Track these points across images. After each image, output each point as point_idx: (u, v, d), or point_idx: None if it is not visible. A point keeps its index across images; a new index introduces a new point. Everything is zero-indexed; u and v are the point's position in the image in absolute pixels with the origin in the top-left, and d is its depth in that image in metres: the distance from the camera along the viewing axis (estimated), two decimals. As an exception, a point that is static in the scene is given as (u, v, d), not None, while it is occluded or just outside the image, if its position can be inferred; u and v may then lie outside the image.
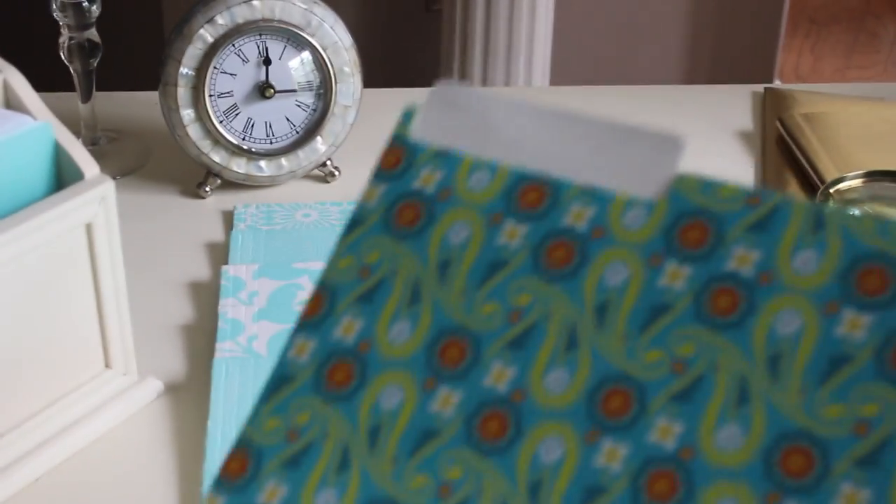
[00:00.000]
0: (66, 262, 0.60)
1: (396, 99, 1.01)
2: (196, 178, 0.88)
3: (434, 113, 0.50)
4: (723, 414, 0.41)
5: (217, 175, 0.85)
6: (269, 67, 0.83)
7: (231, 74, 0.83)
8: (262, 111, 0.84)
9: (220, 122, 0.83)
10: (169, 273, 0.77)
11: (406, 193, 0.49)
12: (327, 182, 0.88)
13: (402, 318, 0.47)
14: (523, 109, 0.49)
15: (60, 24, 0.84)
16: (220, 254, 0.79)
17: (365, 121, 0.93)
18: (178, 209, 0.85)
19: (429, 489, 0.44)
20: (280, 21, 0.82)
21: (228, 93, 0.83)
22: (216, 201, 0.86)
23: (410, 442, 0.45)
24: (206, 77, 0.82)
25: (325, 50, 0.83)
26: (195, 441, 0.63)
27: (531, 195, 0.48)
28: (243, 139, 0.84)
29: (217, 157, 0.84)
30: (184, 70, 0.82)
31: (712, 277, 0.44)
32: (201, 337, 0.71)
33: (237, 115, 0.84)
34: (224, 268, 0.75)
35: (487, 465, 0.44)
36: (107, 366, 0.64)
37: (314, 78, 0.84)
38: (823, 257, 0.42)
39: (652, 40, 1.84)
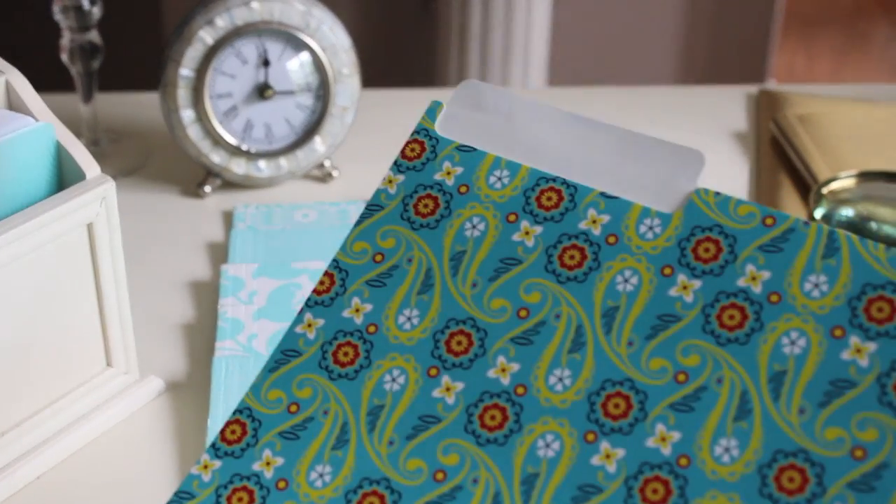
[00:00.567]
0: (68, 262, 0.60)
1: (394, 100, 1.02)
2: (196, 179, 0.88)
3: (459, 109, 0.51)
4: (722, 426, 0.42)
5: (217, 175, 0.86)
6: (269, 69, 0.84)
7: (230, 76, 0.83)
8: (262, 112, 0.85)
9: (220, 122, 0.84)
10: (169, 272, 0.77)
11: (426, 185, 0.50)
12: (326, 182, 0.89)
13: (413, 305, 0.48)
14: (547, 113, 0.49)
15: (62, 26, 0.85)
16: (219, 253, 0.80)
17: (363, 121, 0.94)
18: (179, 209, 0.85)
19: (424, 472, 0.44)
20: (279, 23, 0.82)
21: (228, 94, 0.84)
22: (216, 201, 0.86)
23: (410, 426, 0.45)
24: (205, 78, 0.82)
25: (323, 51, 0.84)
26: (196, 439, 0.63)
27: (549, 197, 0.48)
28: (243, 140, 0.85)
29: (217, 157, 0.85)
30: (184, 71, 0.82)
31: (722, 292, 0.44)
32: (201, 336, 0.71)
33: (237, 115, 0.84)
34: (224, 267, 0.75)
35: (484, 454, 0.44)
36: (108, 364, 0.64)
37: (313, 79, 0.85)
38: (834, 282, 0.43)
39: (647, 41, 1.85)
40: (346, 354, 0.48)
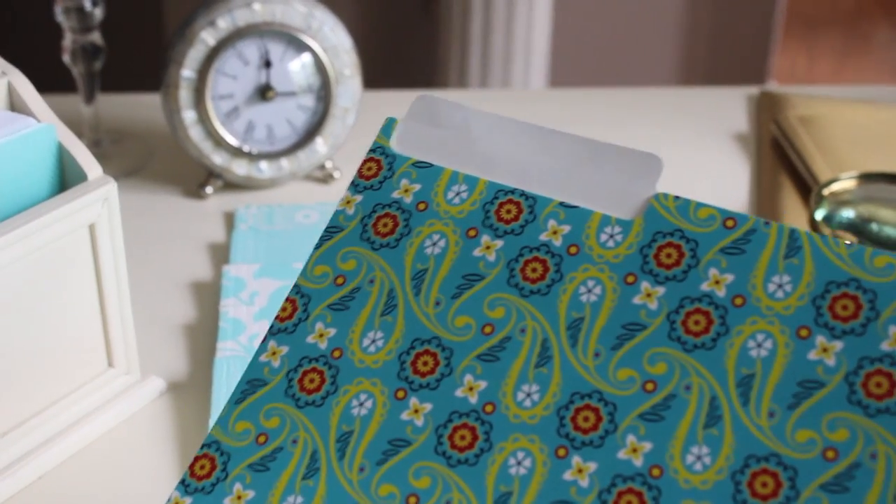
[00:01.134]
0: (70, 263, 0.60)
1: (395, 101, 1.02)
2: (197, 180, 0.88)
3: (414, 125, 0.50)
4: (692, 434, 0.41)
5: (218, 176, 0.86)
6: (270, 70, 0.84)
7: (232, 77, 0.83)
8: (263, 113, 0.85)
9: (222, 123, 0.84)
10: (171, 273, 0.77)
11: (384, 204, 0.49)
12: (327, 183, 0.89)
13: (377, 327, 0.47)
14: (503, 124, 0.49)
15: (64, 27, 0.85)
16: (221, 254, 0.80)
17: (364, 122, 0.94)
18: (180, 210, 0.85)
19: (396, 498, 0.43)
20: (281, 24, 0.83)
21: (229, 95, 0.84)
22: (217, 202, 0.86)
23: (380, 450, 0.44)
24: (207, 79, 0.83)
25: (325, 53, 0.84)
26: (197, 439, 0.63)
27: (508, 210, 0.47)
28: (244, 141, 0.85)
29: (218, 158, 0.85)
30: (185, 72, 0.83)
31: (686, 298, 0.43)
32: (203, 336, 0.71)
33: (238, 116, 0.84)
34: (225, 268, 0.75)
35: (456, 476, 0.43)
36: (109, 365, 0.64)
37: (314, 80, 0.85)
38: (797, 282, 0.42)
39: (648, 43, 1.85)
40: (311, 381, 0.47)
